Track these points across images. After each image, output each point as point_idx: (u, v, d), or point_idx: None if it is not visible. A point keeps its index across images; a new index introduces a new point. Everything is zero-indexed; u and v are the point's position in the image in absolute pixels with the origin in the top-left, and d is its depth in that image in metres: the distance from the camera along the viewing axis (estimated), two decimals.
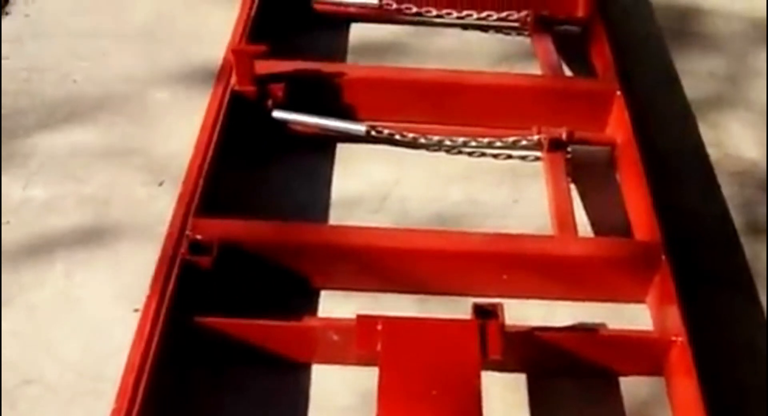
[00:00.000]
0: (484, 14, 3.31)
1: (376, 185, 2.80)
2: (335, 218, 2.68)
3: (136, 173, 2.78)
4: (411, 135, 2.84)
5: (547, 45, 3.16)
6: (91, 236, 2.59)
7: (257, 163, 2.82)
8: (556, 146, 2.76)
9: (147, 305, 2.24)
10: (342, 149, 2.89)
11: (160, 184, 2.73)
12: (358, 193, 2.77)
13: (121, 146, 2.88)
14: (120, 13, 3.41)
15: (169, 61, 3.19)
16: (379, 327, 2.14)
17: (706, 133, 3.04)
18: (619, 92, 2.87)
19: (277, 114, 2.82)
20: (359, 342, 2.15)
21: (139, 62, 3.19)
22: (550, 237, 2.50)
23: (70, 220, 2.64)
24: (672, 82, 3.25)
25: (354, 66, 3.03)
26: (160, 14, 3.41)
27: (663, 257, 2.39)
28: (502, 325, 2.16)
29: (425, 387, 2.04)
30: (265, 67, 2.84)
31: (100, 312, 2.40)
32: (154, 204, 2.66)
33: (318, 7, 3.36)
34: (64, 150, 2.85)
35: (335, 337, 2.25)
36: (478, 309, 2.20)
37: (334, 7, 3.38)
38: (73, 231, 2.61)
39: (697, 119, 3.10)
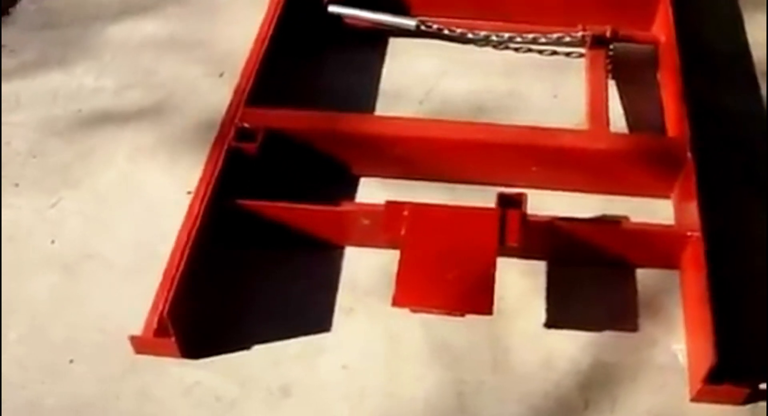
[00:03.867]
0: None
1: (423, 77, 2.78)
2: (381, 108, 2.69)
3: (200, 64, 2.83)
4: (459, 30, 2.80)
5: None
6: (154, 124, 2.66)
7: (313, 56, 2.83)
8: (598, 42, 2.69)
9: (197, 189, 2.31)
10: (394, 43, 2.88)
11: (221, 75, 2.78)
12: (405, 84, 2.76)
13: (188, 38, 2.93)
14: None
15: None
16: (405, 213, 2.16)
17: (754, 33, 2.90)
18: None
19: (332, 8, 2.82)
20: (385, 225, 2.19)
21: None
22: (581, 131, 2.45)
23: (135, 109, 2.71)
24: None
25: None
26: None
27: (688, 154, 2.33)
28: (524, 214, 2.16)
29: (442, 271, 2.07)
30: None
31: (158, 195, 2.48)
32: (213, 94, 2.70)
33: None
34: (135, 42, 2.92)
35: (366, 221, 2.28)
36: (502, 198, 2.19)
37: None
38: (138, 119, 2.68)
39: (744, 18, 2.96)
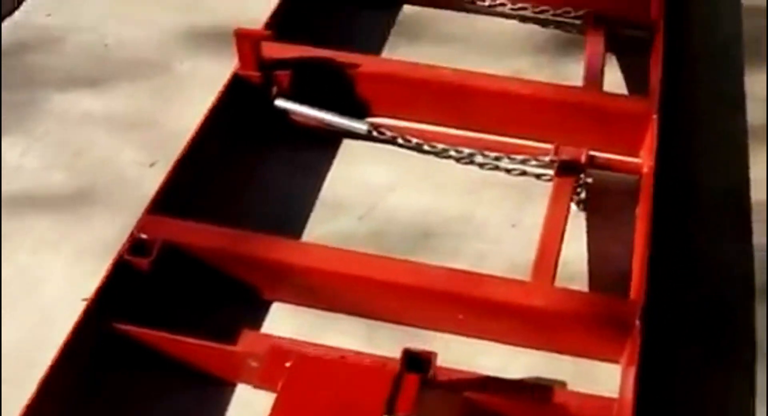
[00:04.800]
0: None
1: (370, 188, 2.49)
2: (316, 218, 2.41)
3: (135, 149, 2.60)
4: (415, 140, 2.50)
5: (598, 48, 2.72)
6: (67, 215, 2.43)
7: (256, 153, 2.58)
8: (568, 170, 2.37)
9: (88, 302, 2.06)
10: (346, 146, 2.59)
11: (152, 165, 2.54)
12: (348, 195, 2.48)
13: (131, 118, 2.70)
14: None
15: (207, 31, 2.96)
16: (288, 364, 1.90)
17: (756, 170, 2.53)
18: (655, 116, 2.43)
19: (279, 103, 2.56)
20: (263, 375, 1.94)
21: (178, 28, 2.99)
22: (518, 282, 2.11)
23: (53, 195, 2.49)
24: (734, 104, 2.74)
25: (367, 58, 2.69)
26: None
27: (637, 322, 2.00)
28: (426, 380, 1.87)
29: None
30: (273, 50, 2.57)
31: (53, 297, 2.24)
32: (139, 186, 2.44)
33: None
34: (75, 117, 2.70)
35: (254, 364, 2.01)
36: (407, 356, 1.89)
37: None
38: (52, 207, 2.45)
39: (750, 152, 2.59)
